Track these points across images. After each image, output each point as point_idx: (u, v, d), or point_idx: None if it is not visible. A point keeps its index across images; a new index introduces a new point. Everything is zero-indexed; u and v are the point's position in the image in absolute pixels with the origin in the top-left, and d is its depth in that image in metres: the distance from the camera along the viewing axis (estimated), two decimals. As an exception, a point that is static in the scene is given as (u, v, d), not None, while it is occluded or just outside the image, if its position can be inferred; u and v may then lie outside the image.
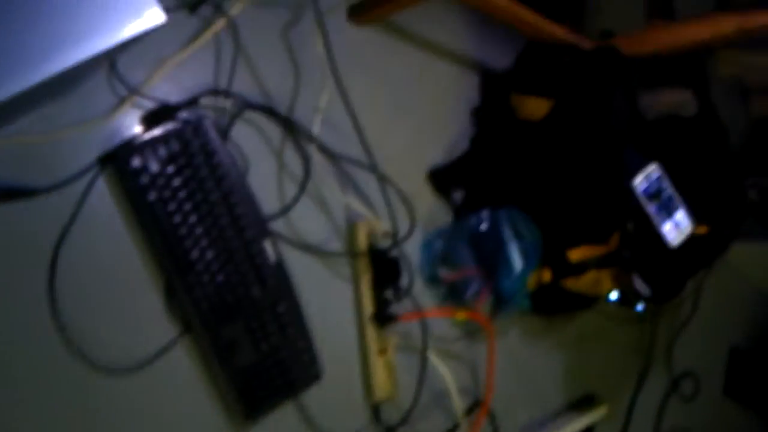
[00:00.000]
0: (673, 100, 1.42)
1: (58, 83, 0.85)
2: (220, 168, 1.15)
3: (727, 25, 1.37)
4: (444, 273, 1.40)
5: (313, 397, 1.26)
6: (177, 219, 1.11)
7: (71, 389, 1.05)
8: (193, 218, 1.13)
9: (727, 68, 1.88)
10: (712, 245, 1.48)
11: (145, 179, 1.09)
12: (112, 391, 1.08)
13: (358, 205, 1.31)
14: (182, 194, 1.12)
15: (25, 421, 1.01)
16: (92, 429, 1.06)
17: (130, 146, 1.09)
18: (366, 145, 1.31)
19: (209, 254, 1.14)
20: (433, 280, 1.41)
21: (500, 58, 1.54)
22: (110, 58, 1.08)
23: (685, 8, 1.52)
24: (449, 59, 1.50)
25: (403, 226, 1.35)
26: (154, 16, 0.82)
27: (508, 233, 1.38)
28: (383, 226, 1.32)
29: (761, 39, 1.78)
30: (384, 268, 1.31)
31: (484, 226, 1.40)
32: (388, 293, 1.32)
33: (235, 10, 1.19)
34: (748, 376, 1.95)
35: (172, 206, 1.11)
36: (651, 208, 1.33)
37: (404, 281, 1.34)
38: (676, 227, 1.36)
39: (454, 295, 1.41)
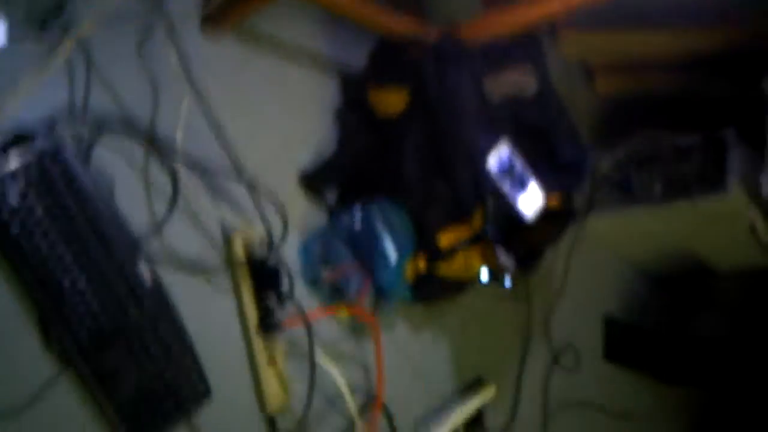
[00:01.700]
0: (514, 80, 1.48)
1: None
2: (82, 192, 1.11)
3: (554, 4, 1.45)
4: (325, 273, 1.41)
5: (206, 416, 1.23)
6: (44, 250, 1.07)
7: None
8: (61, 247, 1.09)
9: (570, 49, 1.97)
10: (565, 213, 1.56)
11: (5, 215, 1.05)
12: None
13: (231, 216, 1.30)
14: (46, 224, 1.08)
15: None
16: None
17: (-15, 180, 1.04)
18: (232, 155, 1.30)
19: (81, 282, 1.10)
20: (314, 282, 1.42)
21: (356, 58, 1.56)
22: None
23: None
24: (307, 62, 1.51)
25: (279, 232, 1.35)
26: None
27: (380, 226, 1.40)
28: (258, 233, 1.32)
29: (601, 18, 1.89)
30: (264, 276, 1.31)
31: (357, 222, 1.42)
32: (271, 301, 1.31)
33: (84, 32, 1.16)
34: (626, 341, 2.05)
35: (37, 238, 1.07)
36: (505, 185, 1.40)
37: (285, 287, 1.33)
38: (530, 199, 1.43)
39: (337, 294, 1.42)
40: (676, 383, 2.10)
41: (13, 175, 1.06)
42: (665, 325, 2.09)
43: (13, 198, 1.05)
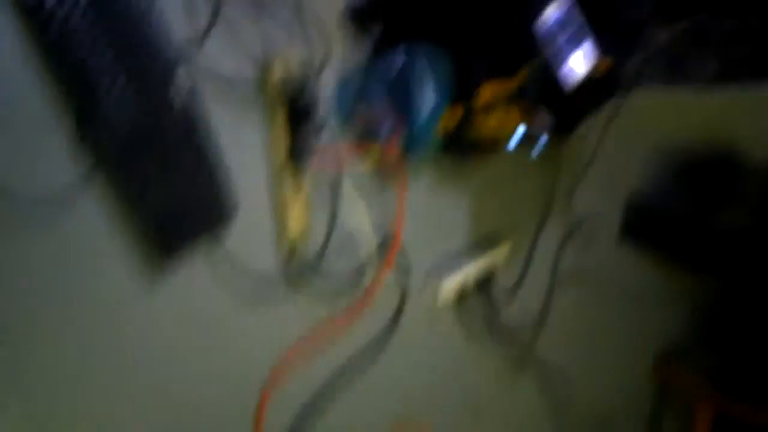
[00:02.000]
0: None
1: None
2: (129, -9, 1.10)
3: None
4: (359, 111, 1.40)
5: (229, 234, 1.25)
6: (87, 43, 1.06)
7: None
8: (103, 42, 1.08)
9: None
10: (614, 80, 1.52)
11: (51, 2, 1.03)
12: (27, 221, 1.05)
13: (272, 40, 1.27)
14: (91, 16, 1.06)
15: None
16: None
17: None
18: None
19: (120, 81, 1.10)
20: (347, 119, 1.40)
21: None
22: None
23: None
24: None
25: (319, 61, 1.33)
26: None
27: (422, 71, 1.38)
28: (299, 60, 1.29)
29: None
30: (299, 103, 1.30)
31: (399, 64, 1.39)
32: (304, 130, 1.31)
33: None
34: (644, 222, 2.04)
35: (81, 31, 1.06)
36: (560, 40, 1.35)
37: (320, 117, 1.32)
38: (582, 59, 1.38)
39: (368, 134, 1.41)
40: (689, 269, 2.11)
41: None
42: (686, 211, 2.08)
43: (59, -13, 1.03)
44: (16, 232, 1.05)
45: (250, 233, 1.29)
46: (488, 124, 1.44)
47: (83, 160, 1.10)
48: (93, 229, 1.12)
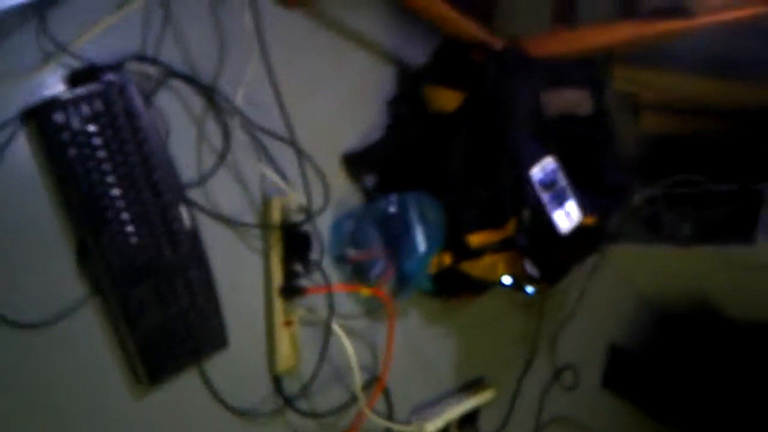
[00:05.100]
0: (570, 99, 1.52)
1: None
2: (141, 131, 1.17)
3: (625, 31, 1.49)
4: (351, 253, 1.45)
5: (217, 364, 1.28)
6: (95, 177, 1.12)
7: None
8: (111, 178, 1.13)
9: (622, 84, 2.01)
10: (597, 236, 1.59)
11: (66, 135, 1.10)
12: (17, 344, 1.08)
13: (274, 178, 1.34)
14: (102, 153, 1.13)
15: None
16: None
17: (54, 102, 1.09)
18: (287, 120, 1.35)
19: (124, 215, 1.15)
20: (340, 259, 1.46)
21: (416, 55, 1.60)
22: (41, 10, 1.09)
23: (588, 16, 1.62)
24: (369, 50, 1.55)
25: (318, 203, 1.40)
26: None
27: (414, 216, 1.44)
28: (298, 199, 1.36)
29: (657, 56, 1.92)
30: (295, 241, 1.35)
31: (392, 209, 1.46)
32: (298, 267, 1.36)
33: (166, -21, 1.21)
34: (626, 373, 2.08)
35: (91, 164, 1.12)
36: (545, 197, 1.43)
37: (314, 256, 1.38)
38: (567, 216, 1.45)
39: (360, 274, 1.46)
40: (668, 423, 2.13)
41: (80, 100, 1.11)
42: (667, 362, 2.12)
43: (76, 122, 1.10)
44: (16, 352, 1.08)
45: (240, 362, 1.32)
46: (476, 268, 1.50)
47: (82, 284, 1.14)
48: (87, 346, 1.15)
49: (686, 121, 2.11)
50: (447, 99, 1.50)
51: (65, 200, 1.12)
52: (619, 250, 1.95)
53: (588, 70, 1.56)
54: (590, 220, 1.51)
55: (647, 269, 2.04)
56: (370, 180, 1.53)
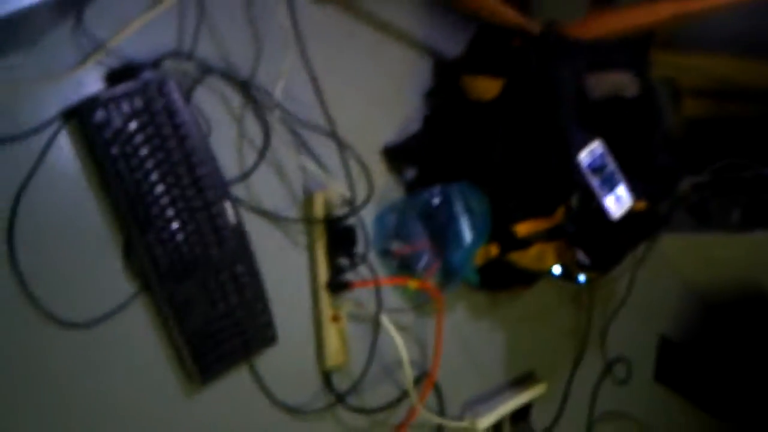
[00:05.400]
0: (615, 81, 1.48)
1: (23, 28, 0.83)
2: (182, 128, 1.16)
3: (663, 10, 1.46)
4: (396, 246, 1.43)
5: (267, 361, 1.27)
6: (138, 175, 1.11)
7: (27, 340, 1.04)
8: (155, 175, 1.13)
9: (661, 69, 1.97)
10: (649, 221, 1.55)
11: (108, 134, 1.09)
12: (67, 344, 1.07)
13: (316, 171, 1.33)
14: (144, 151, 1.12)
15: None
16: (47, 381, 1.06)
17: (94, 101, 1.09)
18: (327, 112, 1.34)
19: (170, 212, 1.14)
20: (385, 253, 1.44)
21: (452, 46, 1.59)
22: (77, 8, 1.09)
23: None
24: (405, 42, 1.54)
25: (361, 195, 1.38)
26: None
27: (458, 207, 1.42)
28: (341, 192, 1.35)
29: (694, 39, 1.89)
30: (339, 235, 1.34)
31: (436, 201, 1.44)
32: (343, 261, 1.34)
33: (201, -25, 1.21)
34: (677, 365, 2.03)
35: (134, 162, 1.11)
36: (594, 183, 1.39)
37: (359, 249, 1.36)
38: (618, 201, 1.42)
39: (405, 268, 1.44)
40: (722, 417, 2.08)
41: (120, 98, 1.10)
42: (718, 354, 2.07)
43: (118, 120, 1.10)
44: (66, 352, 1.08)
45: (289, 358, 1.30)
46: (525, 258, 1.47)
47: (130, 282, 1.14)
48: (136, 344, 1.15)
49: (728, 104, 2.07)
50: (486, 87, 1.47)
51: (110, 198, 1.11)
52: (667, 239, 1.90)
53: (631, 51, 1.53)
54: (641, 205, 1.48)
55: (696, 258, 2.00)
56: (410, 172, 1.51)
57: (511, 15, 1.46)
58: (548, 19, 1.51)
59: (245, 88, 1.27)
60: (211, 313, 1.19)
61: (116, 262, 1.13)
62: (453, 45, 1.59)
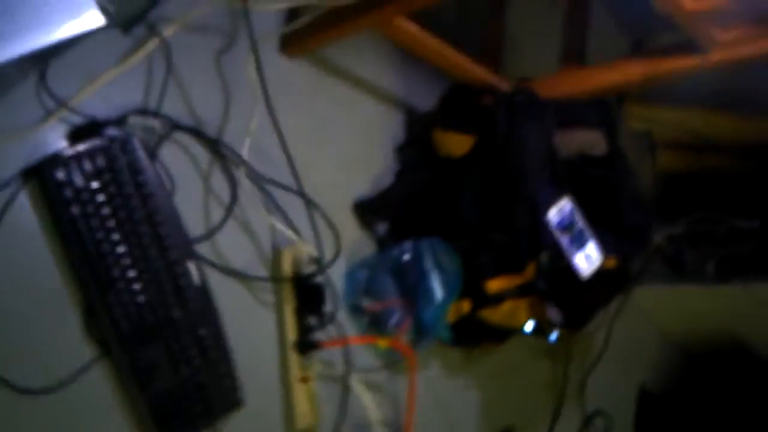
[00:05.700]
0: (584, 139, 1.48)
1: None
2: (146, 186, 1.14)
3: (634, 70, 1.46)
4: (367, 303, 1.41)
5: (233, 424, 1.23)
6: (100, 235, 1.09)
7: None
8: (117, 235, 1.11)
9: (636, 122, 1.98)
10: (620, 278, 1.54)
11: (68, 193, 1.07)
12: (24, 411, 1.04)
13: (284, 230, 1.31)
14: (106, 210, 1.10)
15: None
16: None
17: (56, 159, 1.07)
18: (295, 171, 1.32)
19: (131, 273, 1.12)
20: (356, 310, 1.41)
21: (424, 100, 1.59)
22: (41, 65, 1.07)
23: (598, 56, 1.60)
24: (376, 96, 1.54)
25: (329, 254, 1.36)
26: (93, 19, 0.81)
27: (429, 264, 1.40)
28: (309, 251, 1.33)
29: (670, 93, 1.90)
30: (308, 294, 1.31)
31: (406, 257, 1.42)
32: (312, 320, 1.32)
33: (168, 32, 1.20)
34: (658, 417, 2.01)
35: (95, 222, 1.09)
36: (564, 241, 1.39)
37: (328, 308, 1.34)
38: (587, 259, 1.41)
39: (376, 325, 1.41)
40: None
41: (82, 156, 1.09)
42: (698, 404, 2.05)
43: (79, 179, 1.08)
44: (21, 420, 1.04)
45: (256, 422, 1.27)
46: (496, 315, 1.45)
47: (91, 346, 1.10)
48: (97, 410, 1.11)
49: (703, 157, 2.07)
50: (457, 143, 1.47)
51: (70, 259, 1.09)
52: (643, 291, 1.89)
53: (600, 110, 1.53)
54: (612, 262, 1.47)
55: (672, 309, 1.99)
56: (382, 228, 1.49)
57: (481, 73, 1.46)
58: (519, 77, 1.51)
59: (212, 144, 1.26)
60: (173, 377, 1.15)
61: (76, 325, 1.10)
62: (425, 99, 1.59)
